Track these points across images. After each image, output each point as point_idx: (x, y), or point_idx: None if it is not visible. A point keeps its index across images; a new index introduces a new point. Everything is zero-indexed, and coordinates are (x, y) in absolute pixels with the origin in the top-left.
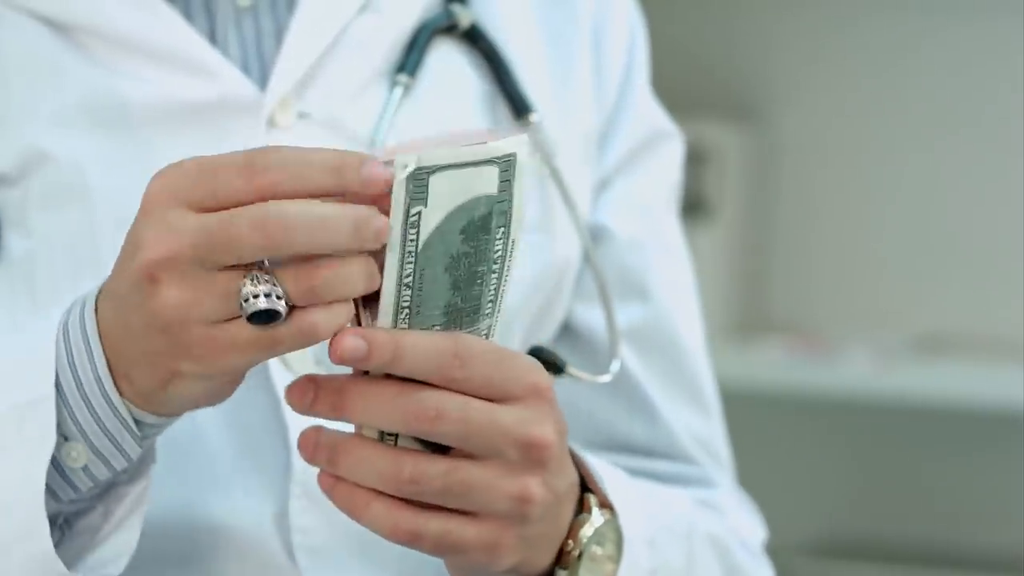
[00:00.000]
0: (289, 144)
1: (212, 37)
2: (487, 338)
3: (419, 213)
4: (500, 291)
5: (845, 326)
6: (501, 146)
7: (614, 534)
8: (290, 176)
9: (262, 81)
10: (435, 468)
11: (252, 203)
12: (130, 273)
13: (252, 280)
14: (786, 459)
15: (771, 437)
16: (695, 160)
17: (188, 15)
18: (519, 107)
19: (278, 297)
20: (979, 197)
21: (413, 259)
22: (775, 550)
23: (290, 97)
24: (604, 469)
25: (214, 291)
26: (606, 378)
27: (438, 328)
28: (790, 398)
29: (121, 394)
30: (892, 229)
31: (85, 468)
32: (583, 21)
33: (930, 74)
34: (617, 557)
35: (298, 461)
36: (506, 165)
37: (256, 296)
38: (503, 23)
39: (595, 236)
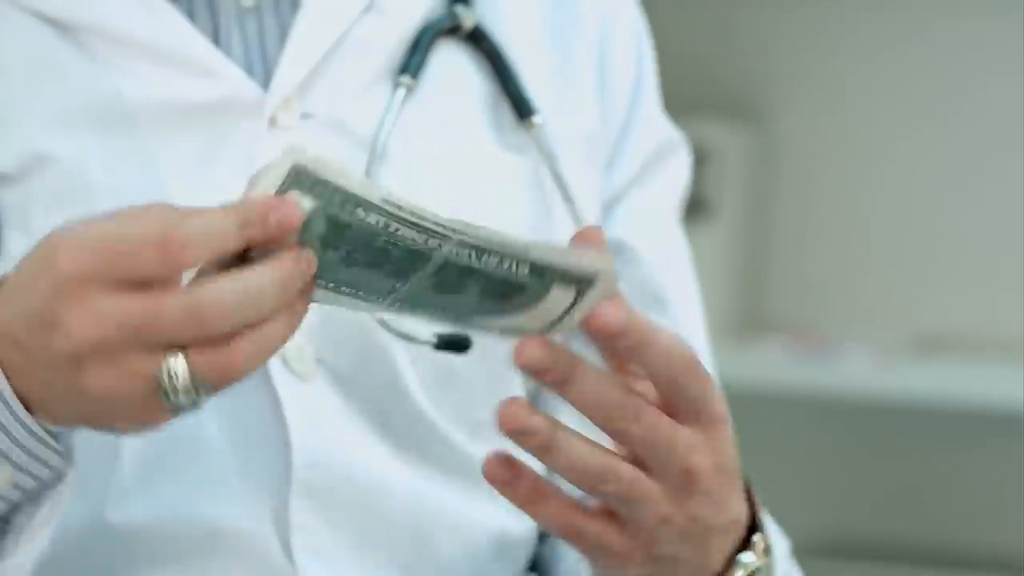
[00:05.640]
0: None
1: (215, 37)
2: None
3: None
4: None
5: (845, 325)
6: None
7: None
8: (204, 247)
9: (265, 81)
10: (627, 473)
11: (168, 278)
12: (51, 352)
13: (169, 374)
14: (786, 459)
15: (771, 436)
16: (695, 160)
17: (191, 15)
18: (522, 109)
19: (198, 392)
20: (979, 197)
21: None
22: None
23: (293, 97)
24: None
25: (137, 375)
26: None
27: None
28: (790, 397)
29: (33, 414)
30: (892, 229)
31: (13, 485)
32: (588, 23)
33: (930, 74)
34: None
35: (299, 459)
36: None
37: (176, 393)
38: (506, 24)
39: (613, 251)
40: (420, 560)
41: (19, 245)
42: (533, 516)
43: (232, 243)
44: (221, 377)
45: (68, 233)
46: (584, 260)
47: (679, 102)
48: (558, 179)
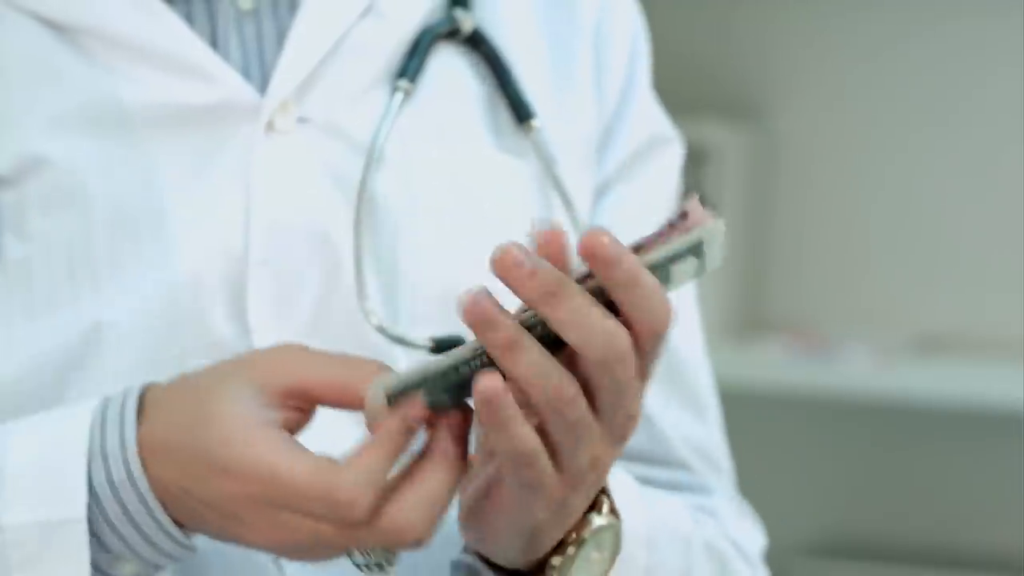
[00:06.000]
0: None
1: (213, 40)
2: None
3: None
4: None
5: (845, 325)
6: None
7: (613, 539)
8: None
9: (263, 85)
10: (583, 403)
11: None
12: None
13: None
14: (785, 458)
15: (770, 436)
16: (695, 160)
17: (189, 18)
18: (520, 113)
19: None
20: (979, 197)
21: None
22: (774, 550)
23: (290, 101)
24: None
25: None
26: None
27: None
28: (790, 397)
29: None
30: (892, 228)
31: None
32: (585, 24)
33: (929, 74)
34: (611, 562)
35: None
36: None
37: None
38: (505, 27)
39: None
40: (412, 564)
41: (15, 249)
42: (493, 419)
43: (391, 465)
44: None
45: (236, 447)
46: (682, 237)
47: (679, 102)
48: (557, 183)
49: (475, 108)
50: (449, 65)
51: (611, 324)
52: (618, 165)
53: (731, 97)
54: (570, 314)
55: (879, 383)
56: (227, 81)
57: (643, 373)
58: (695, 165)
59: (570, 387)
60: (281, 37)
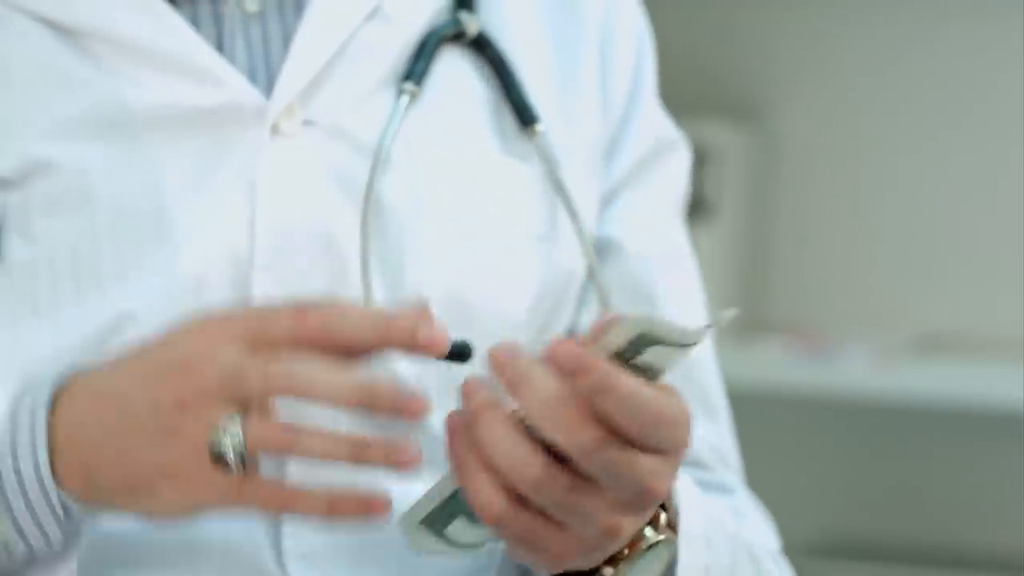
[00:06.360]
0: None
1: (219, 43)
2: None
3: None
4: None
5: (845, 326)
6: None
7: (667, 553)
8: (337, 330)
9: (268, 88)
10: (561, 480)
11: (297, 344)
12: (167, 394)
13: (227, 432)
14: (785, 458)
15: (771, 437)
16: (695, 160)
17: (195, 21)
18: (525, 117)
19: (244, 458)
20: (979, 197)
21: None
22: None
23: (295, 104)
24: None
25: (205, 421)
26: None
27: None
28: (790, 398)
29: (60, 484)
30: (892, 229)
31: (4, 544)
32: (590, 27)
33: (930, 74)
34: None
35: (294, 466)
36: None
37: (224, 442)
38: (510, 30)
39: (603, 249)
40: (415, 568)
41: (20, 251)
42: (463, 480)
43: (361, 344)
44: (269, 448)
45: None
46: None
47: (679, 102)
48: (560, 187)
49: (480, 111)
50: (454, 68)
51: (521, 451)
52: (626, 171)
53: (733, 98)
54: (487, 440)
55: (879, 383)
56: (233, 84)
57: (660, 450)
58: (695, 165)
59: (534, 469)
60: (287, 40)
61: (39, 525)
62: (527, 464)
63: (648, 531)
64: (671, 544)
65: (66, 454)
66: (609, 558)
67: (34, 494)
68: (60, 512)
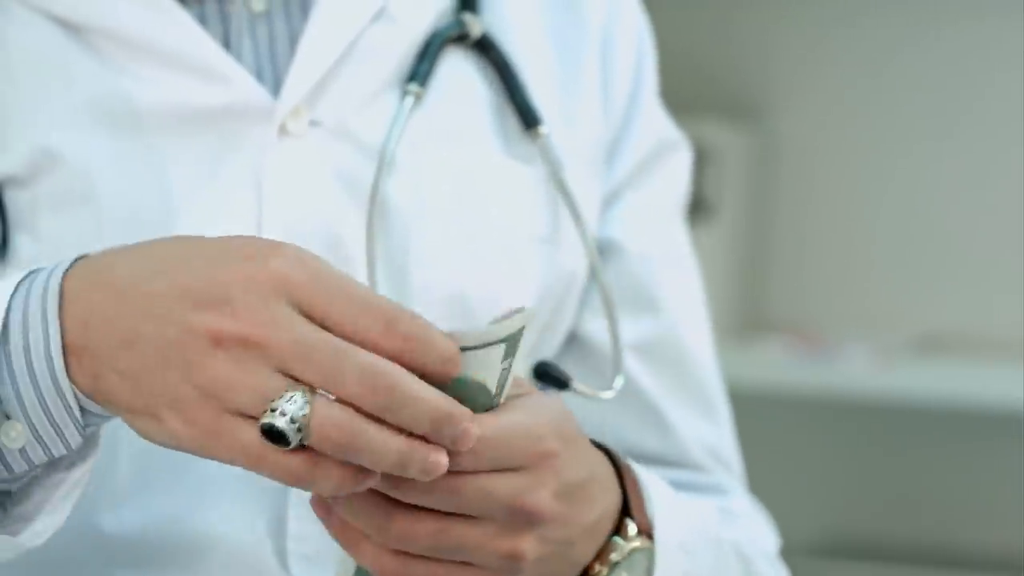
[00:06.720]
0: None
1: (226, 42)
2: None
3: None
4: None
5: (845, 326)
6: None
7: (646, 561)
8: (412, 350)
9: (274, 87)
10: (424, 528)
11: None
12: (195, 323)
13: (289, 399)
14: (786, 458)
15: (770, 437)
16: (695, 160)
17: (202, 20)
18: (528, 120)
19: (298, 429)
20: (979, 197)
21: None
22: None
23: (302, 105)
24: (650, 481)
25: (258, 387)
26: (609, 394)
27: None
28: (790, 398)
29: (73, 380)
30: (892, 229)
31: (22, 450)
32: (592, 29)
33: (930, 74)
34: None
35: None
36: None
37: (281, 413)
38: (513, 32)
39: (605, 250)
40: None
41: (27, 247)
42: (350, 554)
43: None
44: (331, 437)
45: (297, 248)
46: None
47: (679, 102)
48: (563, 189)
49: (484, 113)
50: (458, 69)
51: (378, 512)
52: (627, 172)
53: (732, 98)
54: (347, 513)
55: (879, 383)
56: (241, 83)
57: (512, 468)
58: (697, 166)
59: (396, 525)
60: (293, 40)
61: (54, 424)
62: (384, 525)
63: (618, 540)
64: (648, 552)
65: (81, 355)
66: (583, 571)
67: (46, 389)
68: (75, 409)
